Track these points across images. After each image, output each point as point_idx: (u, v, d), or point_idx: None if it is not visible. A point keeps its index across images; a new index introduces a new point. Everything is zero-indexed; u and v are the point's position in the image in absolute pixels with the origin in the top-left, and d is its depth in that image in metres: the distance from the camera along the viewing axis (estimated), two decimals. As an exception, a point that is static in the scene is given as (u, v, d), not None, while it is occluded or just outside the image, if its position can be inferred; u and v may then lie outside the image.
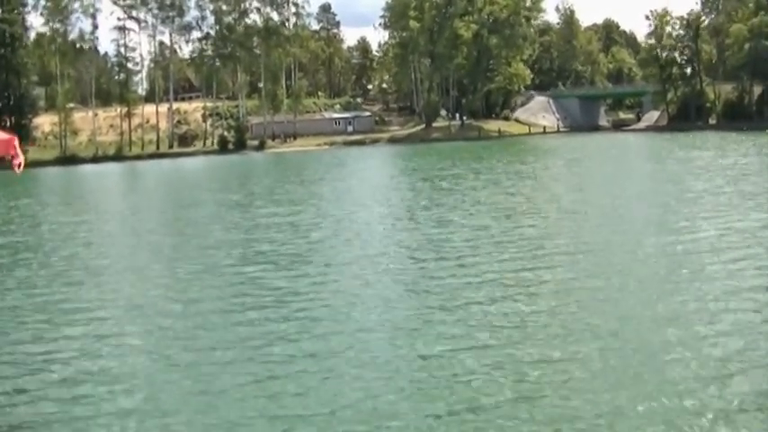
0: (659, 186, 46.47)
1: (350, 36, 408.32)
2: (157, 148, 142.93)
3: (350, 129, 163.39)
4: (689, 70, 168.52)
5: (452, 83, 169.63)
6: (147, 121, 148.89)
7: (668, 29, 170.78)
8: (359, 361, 14.58)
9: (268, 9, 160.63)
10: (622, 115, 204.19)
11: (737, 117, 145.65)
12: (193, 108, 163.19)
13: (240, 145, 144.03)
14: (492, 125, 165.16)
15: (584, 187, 48.93)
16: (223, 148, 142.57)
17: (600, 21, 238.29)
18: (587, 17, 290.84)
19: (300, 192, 54.97)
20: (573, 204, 38.36)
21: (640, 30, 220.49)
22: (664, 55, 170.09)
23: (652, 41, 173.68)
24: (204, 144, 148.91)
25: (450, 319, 17.27)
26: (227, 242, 30.95)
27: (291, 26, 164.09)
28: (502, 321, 16.85)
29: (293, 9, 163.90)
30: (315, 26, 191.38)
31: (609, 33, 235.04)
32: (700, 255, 23.24)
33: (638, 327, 16.10)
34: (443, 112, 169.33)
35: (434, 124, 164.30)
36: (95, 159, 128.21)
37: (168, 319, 18.45)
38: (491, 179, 57.32)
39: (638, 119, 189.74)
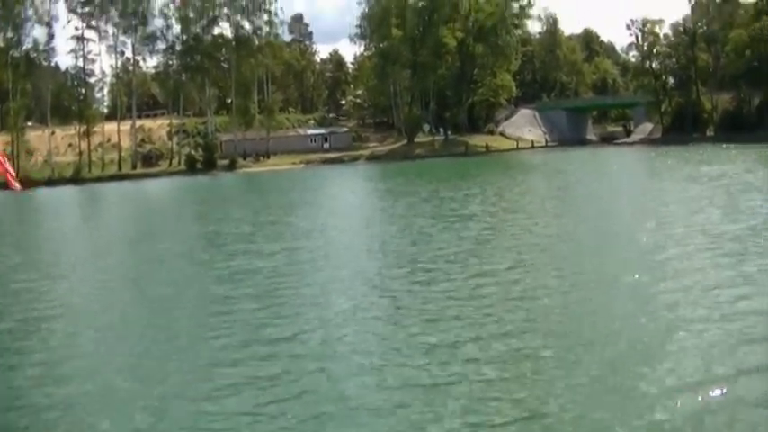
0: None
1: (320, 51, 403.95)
2: (119, 168, 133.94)
3: (326, 146, 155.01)
4: (684, 80, 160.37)
5: (433, 95, 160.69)
6: (109, 140, 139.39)
7: (660, 37, 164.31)
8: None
9: (238, 17, 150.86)
10: (609, 128, 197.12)
11: (736, 128, 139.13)
12: (158, 125, 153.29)
13: (209, 164, 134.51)
14: (478, 140, 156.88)
15: (622, 220, 39.92)
16: (191, 168, 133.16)
17: (579, 31, 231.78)
18: (566, 28, 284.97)
19: (277, 225, 47.10)
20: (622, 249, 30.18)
21: (618, 40, 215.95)
22: (656, 64, 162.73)
23: (644, 50, 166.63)
24: (170, 164, 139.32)
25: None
26: (190, 293, 26.76)
27: (264, 35, 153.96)
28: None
29: (266, 17, 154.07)
30: (287, 37, 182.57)
31: (589, 44, 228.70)
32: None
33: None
34: (425, 127, 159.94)
35: (416, 140, 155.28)
36: (51, 182, 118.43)
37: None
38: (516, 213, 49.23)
39: (627, 131, 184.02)
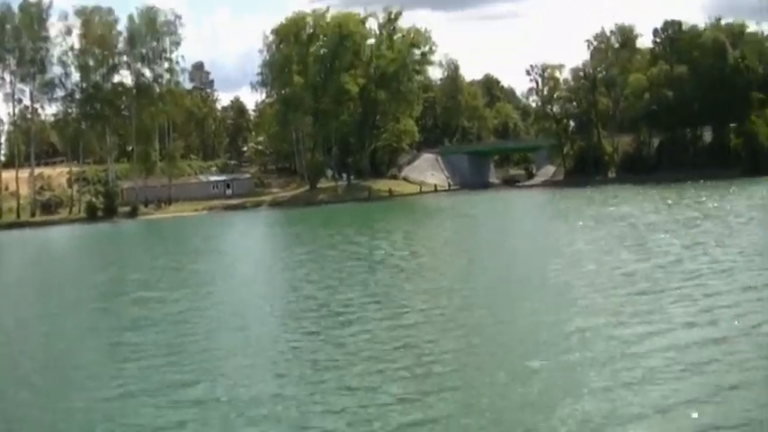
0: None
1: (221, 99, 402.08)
2: (18, 216, 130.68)
3: (228, 192, 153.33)
4: (584, 123, 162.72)
5: (335, 141, 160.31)
6: (7, 188, 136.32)
7: (560, 82, 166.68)
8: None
9: (139, 65, 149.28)
10: (511, 171, 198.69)
11: (636, 169, 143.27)
12: (58, 173, 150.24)
13: (110, 212, 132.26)
14: (381, 185, 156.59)
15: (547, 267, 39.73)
16: (91, 215, 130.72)
17: (480, 77, 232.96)
18: (467, 73, 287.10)
19: (181, 272, 46.40)
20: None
21: (519, 85, 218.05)
22: (557, 108, 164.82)
23: (545, 95, 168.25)
24: (70, 212, 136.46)
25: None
26: (92, 343, 26.29)
27: (165, 83, 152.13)
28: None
29: (166, 65, 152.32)
30: (188, 85, 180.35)
31: (490, 89, 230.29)
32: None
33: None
34: (328, 173, 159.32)
35: (319, 185, 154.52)
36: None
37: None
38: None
39: (529, 174, 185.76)
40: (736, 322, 22.23)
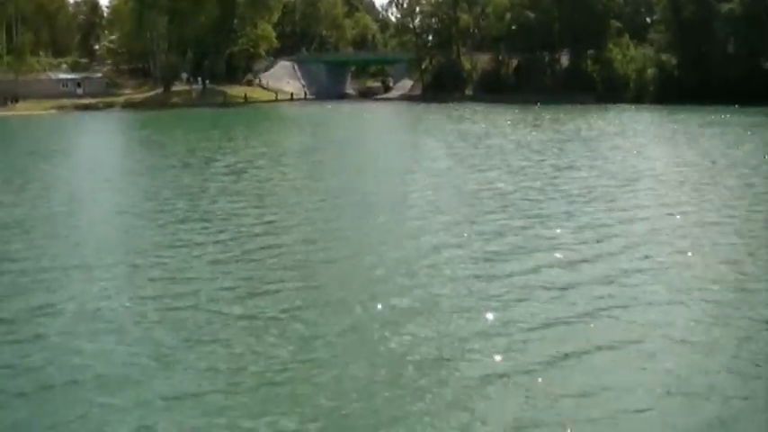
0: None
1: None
2: None
3: (79, 91, 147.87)
4: (445, 39, 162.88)
5: (191, 43, 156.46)
6: None
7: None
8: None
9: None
10: (368, 83, 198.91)
11: (494, 89, 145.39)
12: None
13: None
14: (236, 90, 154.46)
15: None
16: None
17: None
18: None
19: (21, 177, 43.45)
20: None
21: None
22: (418, 22, 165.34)
23: (405, 8, 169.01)
24: None
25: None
26: None
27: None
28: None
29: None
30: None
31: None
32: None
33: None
34: (183, 76, 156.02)
35: (173, 88, 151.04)
36: None
37: None
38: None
39: (386, 87, 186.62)
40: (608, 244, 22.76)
